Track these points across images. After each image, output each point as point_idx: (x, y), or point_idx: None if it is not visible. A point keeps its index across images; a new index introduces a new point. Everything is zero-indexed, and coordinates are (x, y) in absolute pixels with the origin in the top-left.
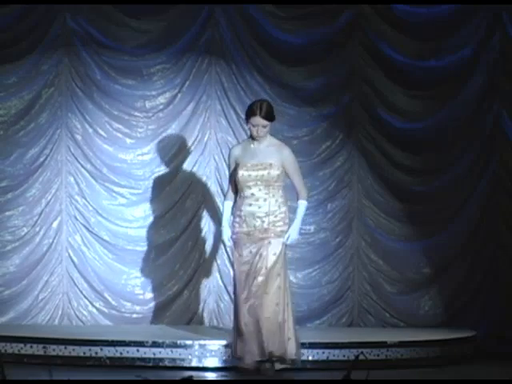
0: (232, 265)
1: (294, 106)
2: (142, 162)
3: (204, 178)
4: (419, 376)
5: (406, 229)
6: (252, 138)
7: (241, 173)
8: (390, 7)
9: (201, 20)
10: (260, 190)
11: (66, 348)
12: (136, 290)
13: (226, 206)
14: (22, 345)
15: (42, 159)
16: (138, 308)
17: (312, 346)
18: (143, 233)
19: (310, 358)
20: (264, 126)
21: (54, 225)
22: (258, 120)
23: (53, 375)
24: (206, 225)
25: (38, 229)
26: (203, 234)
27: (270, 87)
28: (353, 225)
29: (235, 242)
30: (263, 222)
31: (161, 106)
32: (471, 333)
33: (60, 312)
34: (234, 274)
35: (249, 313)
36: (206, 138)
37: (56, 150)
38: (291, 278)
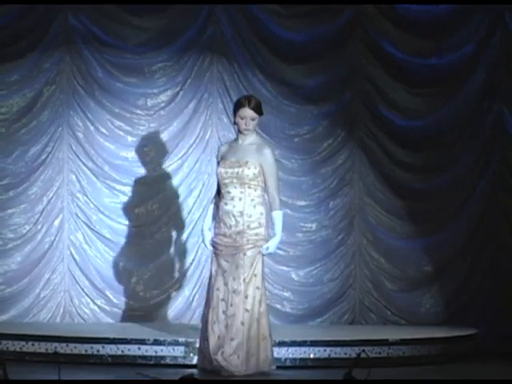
0: (210, 266)
1: (295, 103)
2: (144, 159)
3: (206, 176)
4: (420, 374)
5: (408, 227)
6: (240, 132)
7: (219, 170)
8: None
9: (202, 18)
10: (235, 187)
11: (67, 346)
12: (137, 288)
13: (210, 210)
14: (23, 343)
15: (43, 157)
16: (139, 306)
17: (314, 343)
18: (145, 230)
19: (312, 355)
20: (252, 119)
21: (56, 223)
22: (246, 111)
23: (60, 373)
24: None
25: (39, 227)
26: None
27: (272, 85)
28: (354, 223)
29: (214, 248)
30: (238, 221)
31: (162, 104)
32: (472, 331)
33: (62, 310)
34: (208, 278)
35: (225, 326)
36: (207, 136)
37: (57, 148)
38: (293, 275)
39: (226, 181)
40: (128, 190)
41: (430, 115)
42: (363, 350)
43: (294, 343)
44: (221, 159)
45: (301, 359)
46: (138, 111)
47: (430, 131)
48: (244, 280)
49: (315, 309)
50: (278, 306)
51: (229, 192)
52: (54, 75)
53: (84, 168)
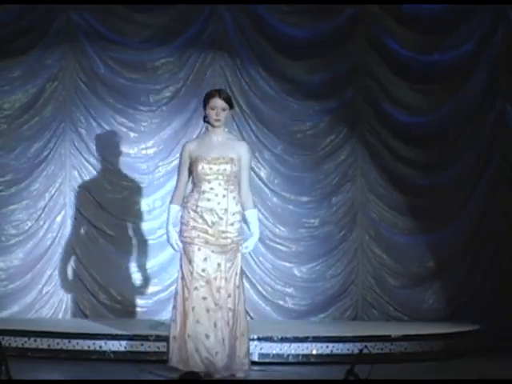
0: (180, 266)
1: (297, 100)
2: (146, 155)
3: None
4: (423, 370)
5: (410, 223)
6: (210, 125)
7: (201, 166)
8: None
9: (205, 14)
10: (220, 184)
11: (70, 342)
12: (140, 284)
13: (172, 210)
14: (25, 339)
15: (46, 153)
16: (141, 302)
17: (316, 339)
18: (147, 226)
19: (314, 351)
20: (223, 109)
21: (58, 219)
22: (216, 101)
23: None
24: None
25: (41, 223)
26: None
27: (274, 81)
28: (357, 219)
29: (186, 243)
30: (221, 219)
31: (165, 100)
32: (474, 327)
33: (64, 306)
34: (180, 281)
35: (212, 326)
36: None
37: (60, 144)
38: (295, 271)
39: (210, 177)
40: (130, 186)
41: (432, 112)
42: (365, 346)
43: (296, 339)
44: (192, 156)
45: (303, 355)
46: (141, 107)
47: (432, 128)
48: (226, 279)
49: (318, 305)
50: (281, 302)
51: (212, 188)
52: (57, 71)
53: (86, 164)
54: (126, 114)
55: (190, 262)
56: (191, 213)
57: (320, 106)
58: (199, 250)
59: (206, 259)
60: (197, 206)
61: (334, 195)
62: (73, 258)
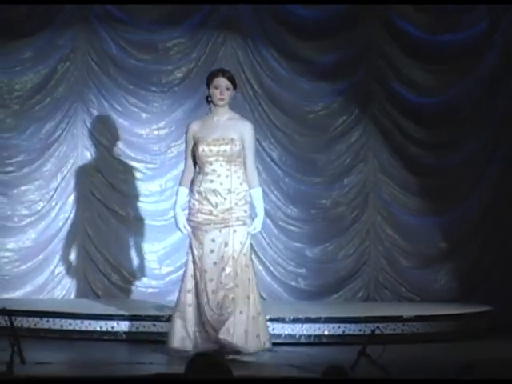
0: (190, 248)
1: (309, 80)
2: (158, 136)
3: None
4: (435, 350)
5: (422, 203)
6: (214, 104)
7: (201, 148)
8: None
9: None
10: (222, 165)
11: (82, 322)
12: (152, 265)
13: (180, 192)
14: (38, 319)
15: (57, 133)
16: (154, 282)
17: (328, 320)
18: (159, 207)
19: (326, 332)
20: (227, 88)
21: (70, 199)
22: (220, 80)
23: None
24: None
25: (54, 203)
26: None
27: (286, 62)
28: (369, 199)
29: (194, 228)
30: (225, 199)
31: (176, 81)
32: (486, 307)
33: (76, 286)
34: (187, 262)
35: (217, 305)
36: None
37: (72, 125)
38: (307, 252)
39: (211, 159)
40: (142, 166)
41: (443, 92)
42: (377, 327)
43: (308, 320)
44: (195, 137)
45: (315, 336)
46: (153, 88)
47: (443, 108)
48: (233, 258)
49: (330, 285)
50: (293, 283)
51: (214, 170)
52: (69, 52)
53: (98, 144)
54: (138, 94)
55: (200, 244)
56: (196, 195)
57: (332, 87)
58: (207, 232)
59: (213, 240)
60: (201, 188)
61: (345, 176)
62: (85, 239)
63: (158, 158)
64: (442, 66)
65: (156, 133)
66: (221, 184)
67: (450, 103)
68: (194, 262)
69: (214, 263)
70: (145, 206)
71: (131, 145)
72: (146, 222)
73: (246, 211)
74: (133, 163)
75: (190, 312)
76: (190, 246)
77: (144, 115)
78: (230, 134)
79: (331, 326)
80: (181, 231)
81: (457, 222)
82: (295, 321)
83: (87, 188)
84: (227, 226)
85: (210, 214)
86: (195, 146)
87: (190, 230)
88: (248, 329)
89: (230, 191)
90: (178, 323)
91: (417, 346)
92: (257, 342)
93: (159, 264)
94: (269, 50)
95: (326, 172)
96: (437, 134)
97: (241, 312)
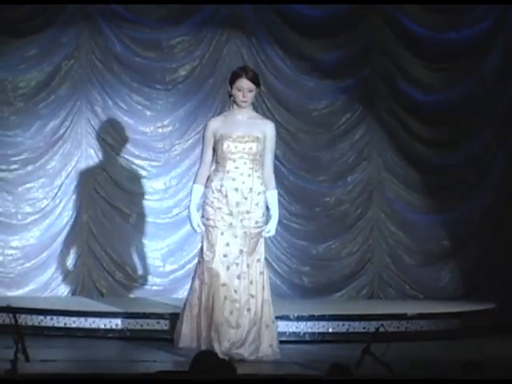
0: (201, 250)
1: (313, 78)
2: (162, 134)
3: None
4: (439, 348)
5: (426, 201)
6: (237, 105)
7: (226, 144)
8: None
9: None
10: (245, 163)
11: (86, 320)
12: (156, 263)
13: (196, 191)
14: (42, 317)
15: (61, 131)
16: (158, 280)
17: (332, 318)
18: (163, 205)
19: (330, 330)
20: (250, 90)
21: (74, 197)
22: (243, 82)
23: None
24: None
25: (58, 201)
26: None
27: (290, 59)
28: (373, 197)
29: (209, 226)
30: (246, 199)
31: (180, 79)
32: (490, 305)
33: (80, 284)
34: (200, 264)
35: (230, 314)
36: (226, 110)
37: (76, 122)
38: (311, 250)
39: (235, 156)
40: (146, 164)
41: (447, 90)
42: (381, 325)
43: (312, 317)
44: (216, 134)
45: (319, 333)
46: (157, 86)
47: (447, 106)
48: (248, 265)
49: (333, 283)
50: (297, 281)
51: (237, 167)
52: (73, 50)
53: (102, 142)
54: (142, 92)
55: (213, 246)
56: (215, 193)
57: (336, 85)
58: (222, 234)
59: (228, 244)
60: (221, 186)
61: (349, 174)
62: (89, 237)
63: (162, 156)
64: (446, 63)
65: (160, 130)
66: (243, 183)
67: (453, 101)
68: (202, 262)
69: (227, 268)
70: (149, 203)
71: (135, 143)
72: (150, 219)
73: (263, 214)
74: (137, 161)
75: (198, 314)
76: (202, 247)
77: (148, 113)
78: (255, 132)
79: (335, 323)
80: (195, 230)
81: (461, 220)
82: (299, 318)
83: (91, 186)
84: (244, 233)
85: (230, 214)
86: (217, 143)
87: (203, 229)
88: (262, 340)
89: (251, 190)
90: (185, 325)
91: (420, 344)
92: (269, 352)
93: (163, 262)
94: (273, 48)
95: (329, 170)
96: (441, 132)
97: (255, 324)
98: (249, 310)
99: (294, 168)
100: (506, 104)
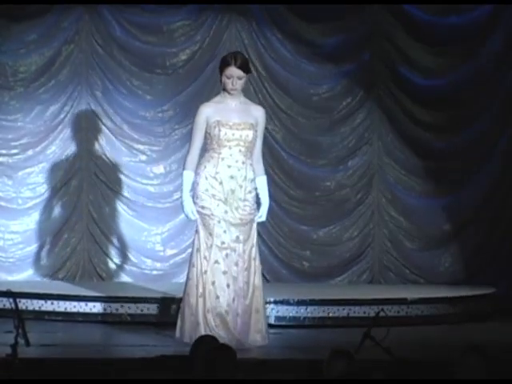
0: (198, 238)
1: (314, 62)
2: (162, 118)
3: None
4: (439, 333)
5: (427, 185)
6: (226, 92)
7: (224, 131)
8: None
9: None
10: (240, 151)
11: (86, 305)
12: (156, 247)
13: (187, 177)
14: (42, 301)
15: (62, 116)
16: (158, 265)
17: (332, 302)
18: (163, 189)
19: (331, 314)
20: (239, 78)
21: (75, 182)
22: (232, 70)
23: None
24: None
25: (58, 185)
26: None
27: (290, 44)
28: (373, 182)
29: (205, 215)
30: (241, 186)
31: (181, 63)
32: (491, 290)
33: (80, 269)
34: (197, 253)
35: (233, 302)
36: None
37: (76, 107)
38: (312, 234)
39: (232, 143)
40: (146, 149)
41: (448, 74)
42: (382, 309)
43: (312, 302)
44: (209, 120)
45: (319, 318)
46: (157, 70)
47: (448, 90)
48: (244, 251)
49: (334, 268)
50: (297, 265)
51: (231, 155)
52: (73, 34)
53: (103, 127)
54: (142, 76)
55: (211, 234)
56: (209, 179)
57: (336, 69)
58: (219, 222)
59: (225, 232)
60: (216, 173)
61: (350, 158)
62: (89, 221)
63: (162, 141)
64: (447, 48)
65: (160, 115)
66: (238, 170)
67: (455, 85)
68: (199, 250)
69: (226, 255)
70: (149, 188)
71: (135, 127)
72: (150, 204)
73: (254, 201)
74: (137, 145)
75: (198, 302)
76: (198, 235)
77: (148, 97)
78: (249, 119)
79: (335, 308)
80: (188, 217)
81: (461, 205)
82: (299, 303)
83: (92, 170)
84: (240, 219)
85: (225, 201)
86: (210, 129)
87: (198, 216)
88: (250, 325)
89: (246, 178)
90: (187, 317)
91: (421, 328)
92: (258, 338)
93: (163, 246)
94: (273, 33)
95: (330, 154)
96: (442, 116)
97: (246, 311)
98: (244, 297)
99: (295, 152)
100: (506, 88)
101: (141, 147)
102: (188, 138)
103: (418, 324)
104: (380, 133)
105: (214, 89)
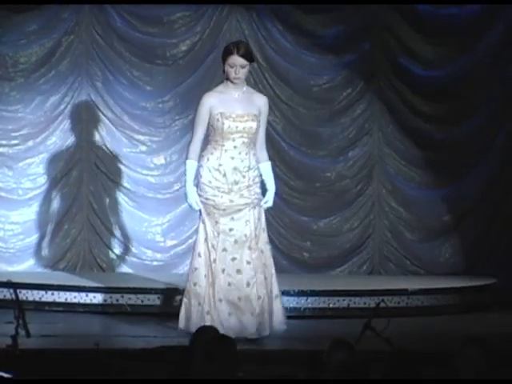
0: (204, 228)
1: (314, 53)
2: (163, 109)
3: None
4: (439, 323)
5: (427, 176)
6: (229, 81)
7: (227, 124)
8: None
9: None
10: (243, 142)
11: (87, 295)
12: (157, 238)
13: (190, 166)
14: (43, 292)
15: (62, 107)
16: (158, 256)
17: (332, 293)
18: (164, 180)
19: (331, 305)
20: (242, 67)
21: (75, 172)
22: (235, 59)
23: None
24: None
25: (58, 176)
26: None
27: (291, 35)
28: (373, 172)
29: (209, 206)
30: (244, 177)
31: (181, 54)
32: (491, 281)
33: (81, 259)
34: (197, 240)
35: (246, 285)
36: None
37: (77, 98)
38: (312, 225)
39: (235, 135)
40: (147, 139)
41: (448, 65)
42: (382, 300)
43: (313, 293)
44: (213, 111)
45: (320, 309)
46: (157, 61)
47: (448, 81)
48: (256, 236)
49: (334, 259)
50: (298, 256)
51: (235, 146)
52: (73, 25)
53: (103, 117)
54: (143, 67)
55: (217, 222)
56: (212, 171)
57: (337, 60)
58: (224, 210)
59: (233, 218)
60: (219, 165)
61: (350, 149)
62: (89, 212)
63: (162, 131)
64: (447, 39)
65: (160, 106)
66: (242, 161)
67: (455, 76)
68: (206, 240)
69: (235, 241)
70: (149, 178)
71: (136, 118)
72: (151, 194)
73: (259, 187)
74: (137, 136)
75: (202, 291)
76: (204, 225)
77: (148, 88)
78: (253, 109)
79: (336, 299)
80: (191, 207)
81: (461, 195)
82: (300, 294)
83: (92, 161)
84: (246, 204)
85: (230, 191)
86: (214, 121)
87: (202, 206)
88: (269, 311)
89: (249, 168)
90: (188, 304)
91: (421, 319)
92: (280, 325)
93: (164, 237)
94: (273, 23)
95: (330, 145)
96: (442, 107)
97: (267, 294)
98: (265, 278)
99: (295, 143)
100: (506, 79)
101: (141, 138)
102: (188, 128)
103: (418, 315)
104: (380, 123)
105: (214, 79)
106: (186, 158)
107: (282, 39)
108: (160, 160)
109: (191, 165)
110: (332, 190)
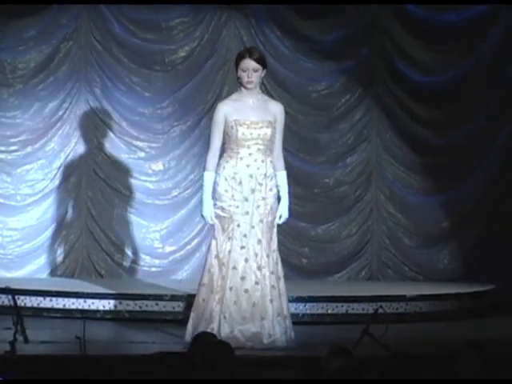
0: (215, 242)
1: (312, 59)
2: (161, 115)
3: None
4: (438, 329)
5: (425, 182)
6: (243, 87)
7: (241, 131)
8: None
9: None
10: (259, 149)
11: (85, 302)
12: (155, 244)
13: (208, 178)
14: (41, 298)
15: (60, 113)
16: (157, 262)
17: (331, 299)
18: (162, 186)
19: (330, 311)
20: (255, 70)
21: (73, 178)
22: (247, 62)
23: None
24: None
25: (57, 182)
26: None
27: (289, 41)
28: (372, 178)
29: (225, 217)
30: (261, 185)
31: (179, 60)
32: (490, 286)
33: (79, 265)
34: (214, 256)
35: (254, 305)
36: (224, 92)
37: (75, 104)
38: (310, 231)
39: (250, 142)
40: (145, 145)
41: (447, 71)
42: (380, 306)
43: (311, 299)
44: (227, 118)
45: (318, 315)
46: (156, 67)
47: (447, 87)
48: (268, 255)
49: (332, 265)
50: (296, 262)
51: (251, 154)
52: (72, 31)
53: (101, 124)
54: (141, 73)
55: (229, 239)
56: (229, 180)
57: (335, 66)
58: (239, 226)
59: (245, 235)
60: (235, 173)
61: (348, 155)
62: (88, 218)
63: (161, 137)
64: (445, 44)
65: (159, 112)
66: (258, 169)
67: (453, 82)
68: (217, 257)
69: (246, 260)
70: (148, 185)
71: (134, 124)
72: (149, 201)
73: (275, 198)
74: (136, 142)
75: (214, 308)
76: (216, 241)
77: (147, 94)
78: (267, 116)
79: (334, 305)
80: (205, 220)
81: (460, 201)
82: (298, 300)
83: (90, 167)
84: (260, 220)
85: (246, 200)
86: (228, 129)
87: (216, 221)
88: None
89: (266, 176)
90: (196, 319)
91: (420, 325)
92: (283, 340)
93: (162, 243)
94: (272, 29)
95: (328, 151)
96: (440, 113)
97: (278, 314)
98: (271, 300)
99: (293, 149)
100: (504, 84)
101: (139, 144)
102: (187, 134)
103: (417, 321)
104: (379, 129)
105: (213, 86)
106: (204, 170)
107: (281, 45)
108: (158, 166)
109: (209, 176)
110: (330, 196)
